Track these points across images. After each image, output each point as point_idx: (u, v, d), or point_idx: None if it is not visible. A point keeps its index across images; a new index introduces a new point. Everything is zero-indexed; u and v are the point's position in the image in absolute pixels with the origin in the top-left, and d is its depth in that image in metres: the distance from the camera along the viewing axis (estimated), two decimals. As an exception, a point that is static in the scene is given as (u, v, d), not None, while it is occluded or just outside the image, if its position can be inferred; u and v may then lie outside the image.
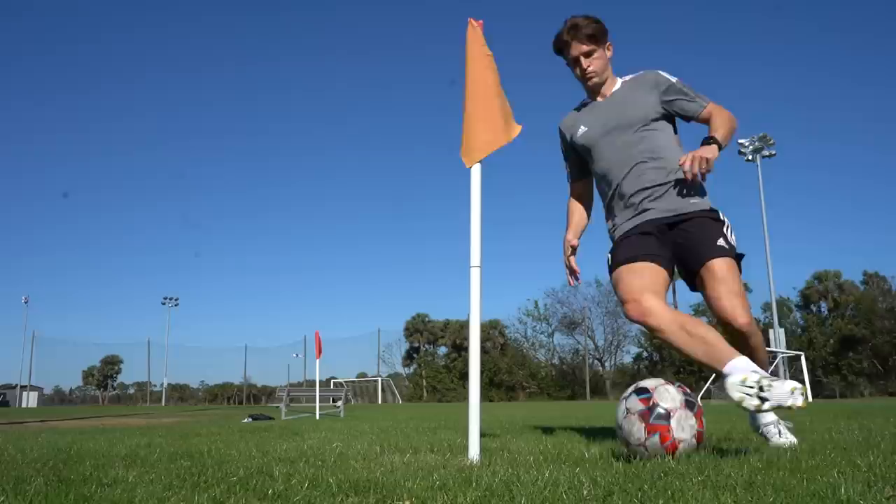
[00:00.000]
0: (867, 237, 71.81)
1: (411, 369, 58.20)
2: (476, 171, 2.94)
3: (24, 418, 12.12)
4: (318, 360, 11.90)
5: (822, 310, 47.29)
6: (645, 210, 3.14)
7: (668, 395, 2.56)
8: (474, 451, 2.70)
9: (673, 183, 3.10)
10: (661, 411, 2.53)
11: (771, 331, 29.94)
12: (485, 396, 43.26)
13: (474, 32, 2.96)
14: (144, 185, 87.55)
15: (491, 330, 53.25)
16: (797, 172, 71.38)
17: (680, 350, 2.89)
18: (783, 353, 27.68)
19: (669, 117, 3.25)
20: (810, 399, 26.71)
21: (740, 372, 2.57)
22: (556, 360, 52.67)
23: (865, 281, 45.88)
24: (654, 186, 3.11)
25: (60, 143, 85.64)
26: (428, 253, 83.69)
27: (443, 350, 57.51)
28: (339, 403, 12.89)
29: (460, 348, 54.02)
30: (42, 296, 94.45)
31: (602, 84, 3.29)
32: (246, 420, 9.73)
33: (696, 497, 1.68)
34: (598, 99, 3.33)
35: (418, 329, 57.89)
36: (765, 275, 31.53)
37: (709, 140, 2.97)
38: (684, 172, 2.89)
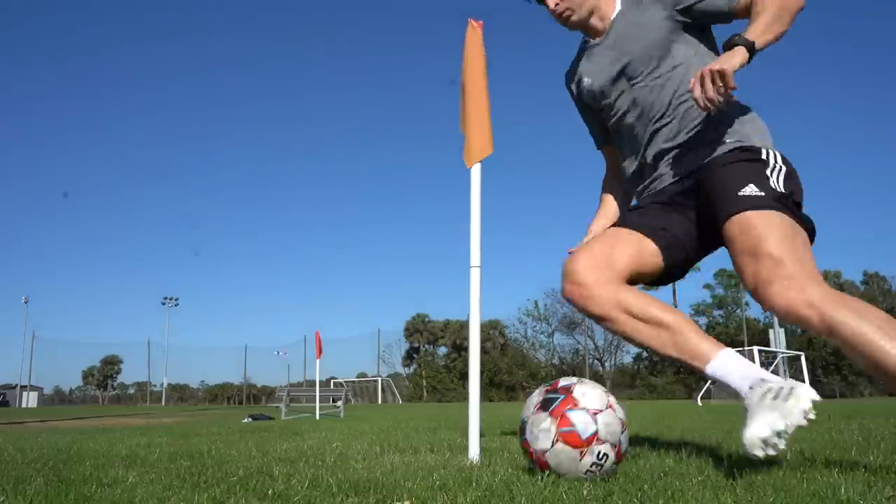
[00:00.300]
0: (867, 237, 71.85)
1: (411, 369, 58.23)
2: (476, 171, 2.94)
3: (24, 418, 12.12)
4: (318, 361, 11.92)
5: (823, 310, 47.30)
6: (660, 177, 2.37)
7: (528, 402, 2.11)
8: (474, 451, 2.70)
9: (694, 127, 2.28)
10: (520, 424, 2.11)
11: (771, 331, 29.96)
12: (485, 396, 43.27)
13: (474, 33, 2.96)
14: (144, 185, 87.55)
15: (491, 330, 53.27)
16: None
17: (642, 345, 2.18)
18: (783, 353, 27.68)
19: (698, 30, 2.40)
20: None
21: (737, 387, 2.00)
22: (556, 360, 52.68)
23: (865, 281, 45.95)
24: (674, 144, 2.32)
25: (60, 143, 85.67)
26: (428, 253, 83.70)
27: (443, 350, 57.56)
28: (339, 403, 12.89)
29: (460, 348, 54.03)
30: (42, 296, 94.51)
31: (589, 17, 2.48)
32: (246, 420, 9.73)
33: (696, 497, 1.67)
34: (595, 38, 2.53)
35: (418, 329, 57.91)
36: (765, 275, 31.47)
37: (732, 41, 2.10)
38: (695, 101, 2.05)
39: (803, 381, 25.84)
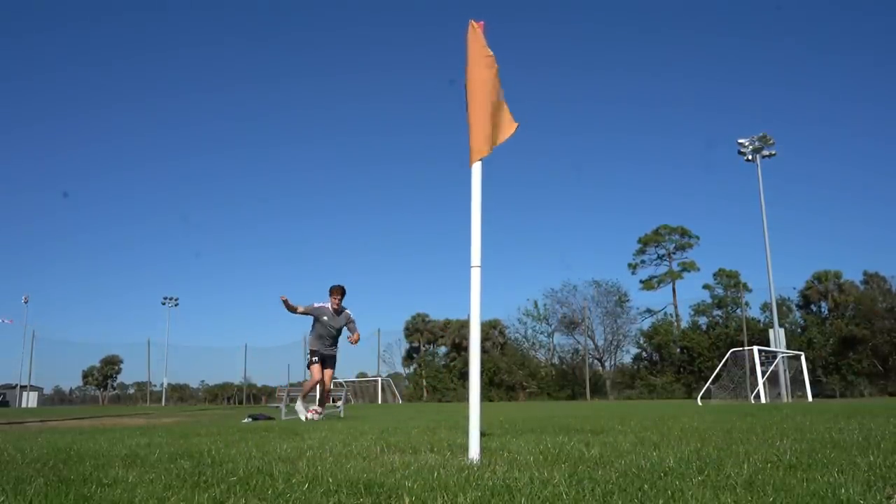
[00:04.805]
0: (867, 237, 71.73)
1: (411, 369, 58.20)
2: (476, 170, 2.94)
3: (24, 418, 12.12)
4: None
5: (823, 310, 47.26)
6: None
7: None
8: (474, 451, 2.70)
9: None
10: None
11: (771, 331, 29.92)
12: (485, 396, 43.28)
13: (475, 33, 2.96)
14: (145, 185, 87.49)
15: (491, 330, 53.24)
16: (797, 172, 71.32)
17: None
18: (783, 352, 27.66)
19: None
20: (810, 399, 26.71)
21: None
22: (556, 360, 52.66)
23: (865, 281, 45.86)
24: None
25: (60, 143, 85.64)
26: (428, 252, 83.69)
27: (443, 350, 57.51)
28: (339, 403, 12.89)
29: (460, 348, 54.01)
30: (42, 296, 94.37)
31: None
32: (246, 420, 9.74)
33: (696, 497, 1.68)
34: None
35: (418, 329, 57.88)
36: (765, 275, 31.51)
37: None
38: None
39: (803, 381, 25.69)
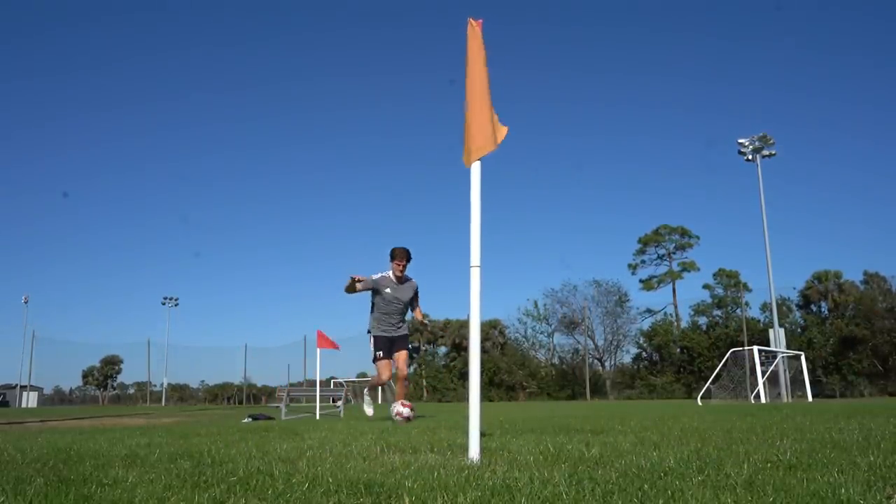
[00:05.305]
0: (867, 237, 71.74)
1: (411, 369, 58.35)
2: (476, 170, 2.94)
3: (24, 418, 12.12)
4: (318, 354, 11.72)
5: (823, 310, 47.28)
6: None
7: None
8: (474, 451, 2.70)
9: None
10: None
11: (771, 331, 29.91)
12: (485, 396, 43.27)
13: (474, 32, 2.96)
14: (145, 185, 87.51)
15: (491, 330, 53.28)
16: (797, 172, 71.32)
17: None
18: (783, 352, 27.65)
19: None
20: (810, 399, 26.70)
21: None
22: (556, 360, 52.67)
23: (865, 281, 45.87)
24: None
25: (60, 143, 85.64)
26: (428, 253, 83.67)
27: (443, 350, 57.55)
28: (339, 403, 12.89)
29: (460, 348, 54.02)
30: (42, 296, 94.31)
31: None
32: (246, 420, 9.73)
33: (696, 497, 1.67)
34: None
35: (418, 328, 57.95)
36: (765, 274, 31.50)
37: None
38: None
39: (803, 381, 25.64)
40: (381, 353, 7.46)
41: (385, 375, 7.51)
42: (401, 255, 7.34)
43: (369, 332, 7.61)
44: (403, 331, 7.69)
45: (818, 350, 40.96)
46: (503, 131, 2.97)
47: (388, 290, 7.41)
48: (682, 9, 75.16)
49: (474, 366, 2.82)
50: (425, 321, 8.01)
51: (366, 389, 8.50)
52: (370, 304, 7.60)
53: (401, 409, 6.89)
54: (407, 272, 7.47)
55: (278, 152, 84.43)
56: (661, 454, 2.69)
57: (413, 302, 7.66)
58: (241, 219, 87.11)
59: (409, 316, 7.86)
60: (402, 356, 7.56)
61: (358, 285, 7.21)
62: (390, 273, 7.41)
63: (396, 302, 7.48)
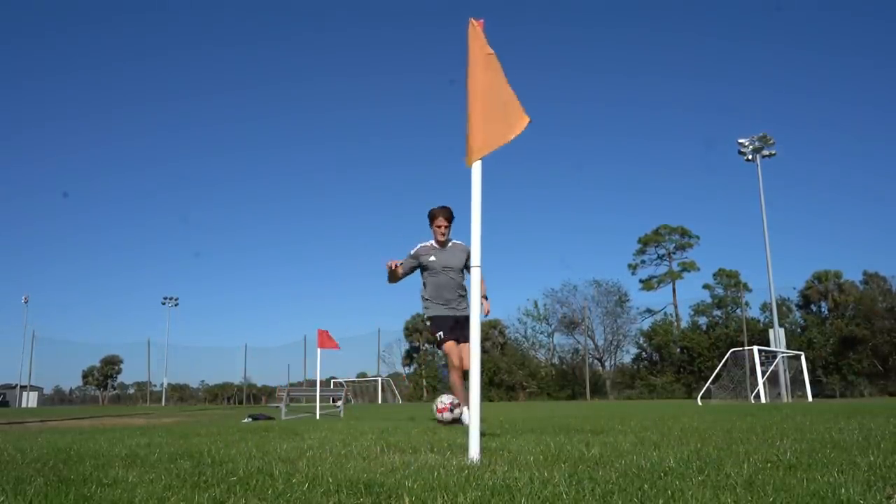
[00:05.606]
0: (867, 237, 71.72)
1: (411, 369, 58.26)
2: (476, 170, 2.94)
3: (24, 418, 12.12)
4: (319, 353, 11.72)
5: (823, 310, 47.27)
6: None
7: None
8: (474, 451, 2.70)
9: None
10: None
11: (771, 331, 29.91)
12: (485, 396, 43.25)
13: (475, 32, 2.96)
14: (145, 185, 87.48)
15: (491, 330, 53.27)
16: (797, 172, 71.31)
17: None
18: (783, 352, 27.65)
19: None
20: (810, 399, 26.69)
21: None
22: (556, 360, 52.65)
23: (865, 281, 45.86)
24: None
25: (60, 143, 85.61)
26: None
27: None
28: (339, 403, 12.89)
29: (460, 348, 54.00)
30: (42, 296, 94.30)
31: None
32: (246, 420, 9.73)
33: (696, 497, 1.67)
34: None
35: (418, 329, 57.86)
36: (765, 274, 31.51)
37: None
38: None
39: (803, 381, 25.67)
40: (441, 333, 6.12)
41: (455, 358, 6.01)
42: (443, 215, 6.15)
43: (425, 318, 6.38)
44: (465, 308, 6.15)
45: (818, 350, 40.94)
46: (524, 121, 2.84)
47: (432, 259, 6.17)
48: (682, 9, 75.15)
49: (474, 366, 2.82)
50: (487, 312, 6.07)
51: (452, 395, 6.17)
52: (421, 282, 6.36)
53: (444, 415, 5.90)
54: (451, 235, 6.26)
55: (278, 152, 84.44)
56: (661, 454, 2.69)
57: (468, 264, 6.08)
58: (241, 219, 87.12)
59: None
60: (464, 347, 5.98)
61: (399, 270, 6.06)
62: (431, 241, 6.25)
63: (447, 271, 6.17)
